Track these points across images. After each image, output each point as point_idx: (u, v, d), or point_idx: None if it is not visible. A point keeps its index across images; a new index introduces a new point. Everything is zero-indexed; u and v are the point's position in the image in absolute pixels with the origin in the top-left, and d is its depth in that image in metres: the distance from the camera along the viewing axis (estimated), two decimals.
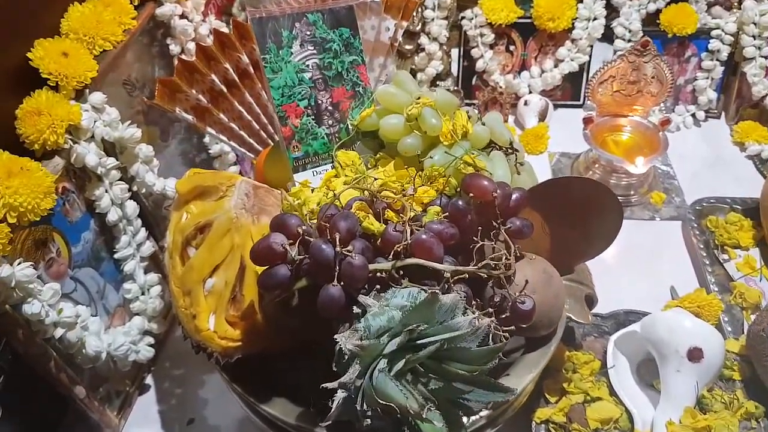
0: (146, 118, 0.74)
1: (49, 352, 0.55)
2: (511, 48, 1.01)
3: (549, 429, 0.60)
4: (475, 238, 0.48)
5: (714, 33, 0.95)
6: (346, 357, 0.40)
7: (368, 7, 0.62)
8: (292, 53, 0.55)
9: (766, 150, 0.92)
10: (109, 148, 0.63)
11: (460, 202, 0.48)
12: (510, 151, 0.57)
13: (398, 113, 0.55)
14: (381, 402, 0.36)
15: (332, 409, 0.40)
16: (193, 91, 0.66)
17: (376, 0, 0.62)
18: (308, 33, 0.56)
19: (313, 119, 0.56)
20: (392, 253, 0.44)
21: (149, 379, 0.70)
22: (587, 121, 0.86)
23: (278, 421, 0.52)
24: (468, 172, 0.51)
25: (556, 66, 1.00)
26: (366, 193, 0.49)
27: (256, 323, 0.51)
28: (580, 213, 0.56)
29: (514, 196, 0.51)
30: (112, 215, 0.62)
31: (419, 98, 0.54)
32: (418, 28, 1.01)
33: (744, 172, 0.91)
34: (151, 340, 0.66)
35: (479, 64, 1.01)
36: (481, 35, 0.99)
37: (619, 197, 0.85)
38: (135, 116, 0.71)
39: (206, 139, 0.83)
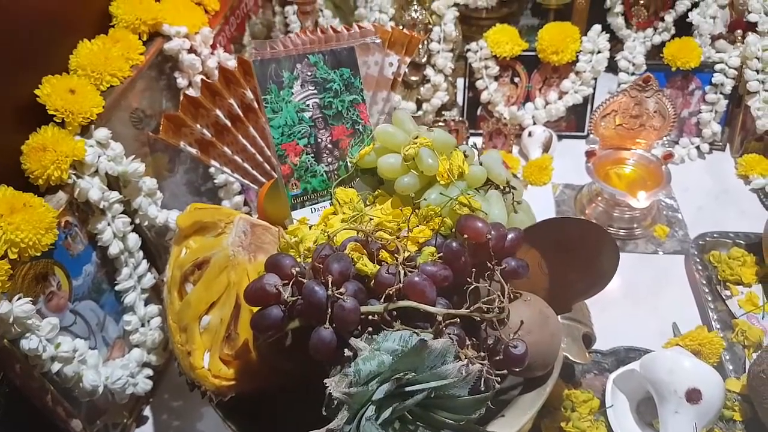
0: (152, 147, 0.75)
1: (47, 386, 0.56)
2: (516, 80, 1.02)
3: None
4: (469, 279, 0.48)
5: (718, 67, 0.95)
6: (335, 402, 0.40)
7: (369, 47, 0.63)
8: (292, 93, 0.56)
9: None
10: (113, 181, 0.64)
11: (455, 244, 0.48)
12: (507, 189, 0.57)
13: (396, 152, 0.56)
14: None
15: None
16: (198, 126, 0.67)
17: (377, 41, 0.63)
18: (309, 73, 0.57)
19: (312, 157, 0.57)
20: (384, 296, 0.44)
21: (147, 411, 0.70)
22: (590, 154, 0.86)
23: None
24: (463, 212, 0.51)
25: (560, 98, 1.01)
26: (361, 233, 0.49)
27: (250, 362, 0.51)
28: (576, 253, 0.56)
29: (509, 237, 0.51)
30: (114, 248, 0.63)
31: (417, 138, 0.55)
32: (424, 60, 1.02)
33: (748, 205, 0.91)
34: (149, 372, 0.67)
35: (484, 96, 1.02)
36: (486, 67, 1.00)
37: (622, 230, 0.87)
38: (141, 147, 0.72)
39: (212, 169, 0.84)
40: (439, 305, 0.46)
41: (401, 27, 0.96)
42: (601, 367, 0.68)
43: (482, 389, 0.43)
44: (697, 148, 1.00)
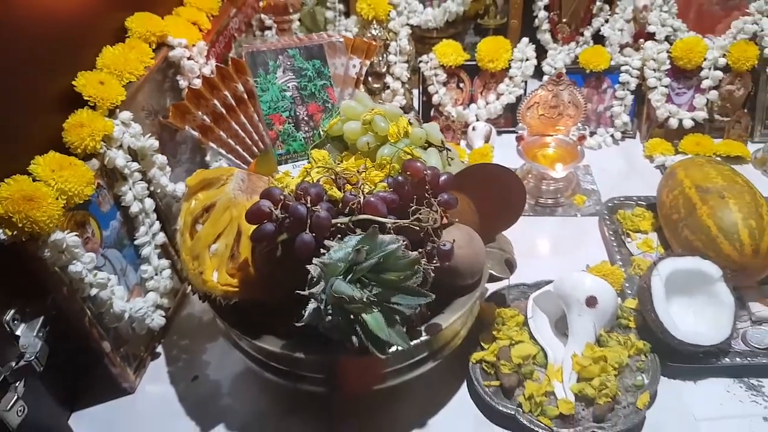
0: (160, 141, 0.91)
1: (85, 309, 0.70)
2: (461, 85, 1.22)
3: (482, 367, 0.75)
4: (411, 204, 0.65)
5: (623, 68, 1.16)
6: (315, 279, 0.56)
7: (335, 46, 0.81)
8: (276, 77, 0.74)
9: (669, 160, 1.11)
10: (133, 155, 0.80)
11: (400, 178, 0.66)
12: (442, 148, 0.75)
13: (357, 120, 0.73)
14: (336, 296, 0.52)
15: (305, 315, 0.56)
16: (199, 113, 0.84)
17: (341, 40, 0.81)
18: (289, 63, 0.75)
19: (293, 126, 0.74)
20: (348, 209, 0.61)
21: (160, 348, 0.84)
22: (519, 138, 1.05)
23: (266, 354, 0.67)
24: (407, 158, 0.69)
25: (497, 99, 1.20)
26: (331, 172, 0.66)
27: (249, 274, 0.67)
28: (494, 192, 0.74)
29: (442, 177, 0.69)
30: (134, 208, 0.79)
31: (373, 109, 0.73)
32: (384, 69, 1.21)
33: (652, 179, 1.09)
34: (162, 312, 0.81)
35: (435, 99, 1.21)
36: (436, 75, 1.20)
37: (549, 200, 1.05)
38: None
39: (207, 158, 1.00)
40: (389, 219, 0.63)
41: None
42: (526, 295, 0.84)
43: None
44: (612, 136, 1.20)
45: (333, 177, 0.66)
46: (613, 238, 0.94)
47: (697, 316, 0.77)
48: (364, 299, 0.52)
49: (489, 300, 0.84)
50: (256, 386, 0.77)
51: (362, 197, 0.62)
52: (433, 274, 0.62)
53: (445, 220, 0.71)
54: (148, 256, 0.81)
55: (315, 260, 0.55)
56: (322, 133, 0.76)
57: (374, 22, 1.18)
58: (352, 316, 0.55)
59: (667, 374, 0.76)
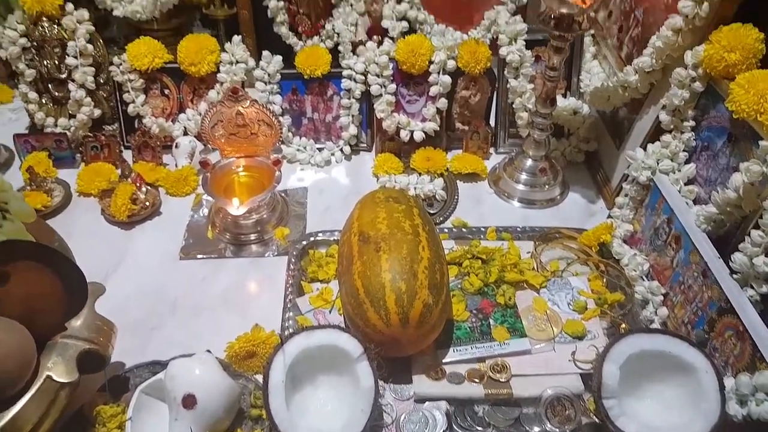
0: None
1: None
2: (166, 92, 1.02)
3: None
4: None
5: (345, 73, 0.99)
6: None
7: None
8: None
9: (393, 179, 0.96)
10: None
11: None
12: None
13: None
14: None
15: None
16: None
17: None
18: None
19: None
20: None
21: None
22: (204, 164, 0.87)
23: None
24: None
25: None
26: None
27: None
28: (52, 270, 0.56)
29: None
30: None
31: None
32: (65, 75, 0.99)
33: None
34: None
35: (131, 109, 1.01)
36: (130, 80, 0.99)
37: (252, 234, 0.88)
38: None
39: None
40: None
41: (34, 42, 0.94)
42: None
43: None
44: (341, 150, 1.04)
45: None
46: (291, 289, 0.78)
47: (338, 404, 0.64)
48: None
49: (105, 390, 0.67)
50: None
51: None
52: None
53: None
54: None
55: None
56: None
57: (44, 18, 0.95)
58: None
59: None
